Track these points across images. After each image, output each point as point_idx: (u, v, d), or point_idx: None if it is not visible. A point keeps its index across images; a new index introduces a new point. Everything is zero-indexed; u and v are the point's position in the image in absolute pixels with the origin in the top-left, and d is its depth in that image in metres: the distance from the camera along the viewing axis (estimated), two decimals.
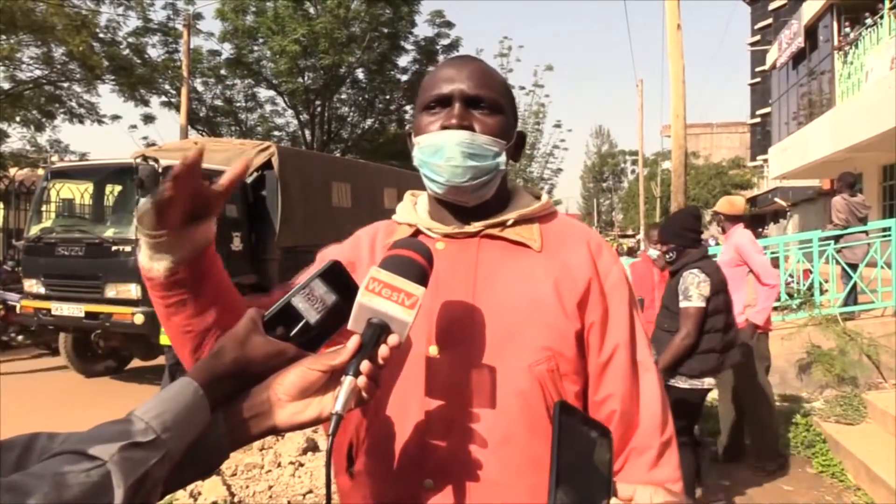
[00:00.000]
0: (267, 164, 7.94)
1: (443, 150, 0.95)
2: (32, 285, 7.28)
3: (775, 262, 7.40)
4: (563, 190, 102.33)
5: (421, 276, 0.80)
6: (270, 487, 3.98)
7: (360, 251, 1.05)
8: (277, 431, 0.74)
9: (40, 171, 12.53)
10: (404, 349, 0.85)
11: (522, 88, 24.84)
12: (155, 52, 17.27)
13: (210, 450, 0.70)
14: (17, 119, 15.62)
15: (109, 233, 7.00)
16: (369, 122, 20.98)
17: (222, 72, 19.29)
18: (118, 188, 7.70)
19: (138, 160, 6.85)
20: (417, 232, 1.03)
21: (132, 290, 6.57)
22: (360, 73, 19.76)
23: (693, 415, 3.61)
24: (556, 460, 0.67)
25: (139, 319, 6.39)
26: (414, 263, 0.81)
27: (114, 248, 6.74)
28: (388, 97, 20.79)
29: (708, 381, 3.51)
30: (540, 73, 25.35)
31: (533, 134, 25.36)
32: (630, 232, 43.35)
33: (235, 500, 3.81)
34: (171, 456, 0.63)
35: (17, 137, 18.00)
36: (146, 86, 16.29)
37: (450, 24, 20.26)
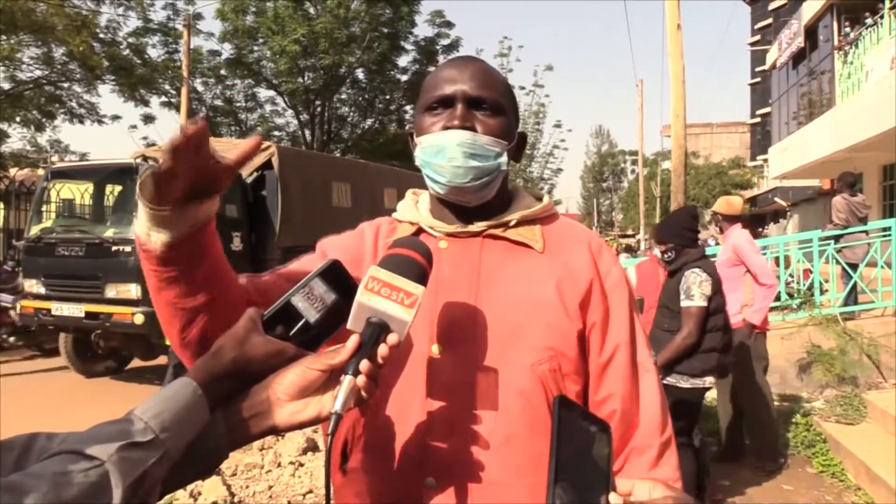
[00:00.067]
0: (267, 164, 7.95)
1: (445, 151, 0.95)
2: (32, 285, 7.28)
3: (778, 262, 7.41)
4: (563, 190, 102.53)
5: (420, 275, 0.80)
6: (270, 487, 3.98)
7: (363, 247, 1.05)
8: (277, 431, 0.74)
9: (40, 172, 12.55)
10: (404, 348, 0.84)
11: (522, 88, 24.83)
12: (155, 53, 17.29)
13: (209, 449, 0.70)
14: (18, 119, 15.63)
15: (109, 233, 7.00)
16: (369, 122, 20.99)
17: (222, 72, 19.31)
18: (118, 188, 7.71)
19: (138, 160, 6.87)
20: (420, 230, 1.03)
21: (132, 291, 6.58)
22: (360, 73, 19.78)
23: (693, 415, 3.62)
24: (555, 455, 0.67)
25: (139, 319, 6.39)
26: (413, 262, 0.81)
27: (114, 248, 6.75)
28: (388, 97, 20.80)
29: (708, 380, 3.53)
30: (540, 73, 25.35)
31: (533, 134, 25.34)
32: (630, 232, 43.39)
33: (235, 500, 3.81)
34: (170, 456, 0.63)
35: (18, 138, 18.01)
36: (146, 86, 16.30)
37: (450, 24, 20.28)
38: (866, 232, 7.18)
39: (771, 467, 4.38)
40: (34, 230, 7.54)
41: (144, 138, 18.95)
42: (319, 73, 18.49)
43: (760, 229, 30.12)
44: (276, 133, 20.32)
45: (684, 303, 3.45)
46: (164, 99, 17.88)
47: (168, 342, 0.92)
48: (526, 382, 0.91)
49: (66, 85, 15.62)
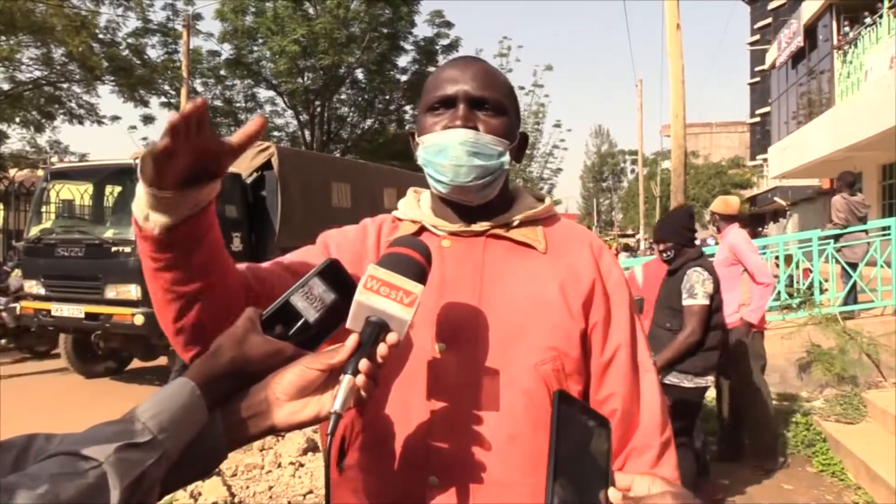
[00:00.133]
0: (267, 165, 7.94)
1: (447, 150, 0.95)
2: (32, 286, 7.28)
3: (778, 262, 7.41)
4: (563, 190, 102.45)
5: (420, 274, 0.80)
6: (271, 488, 3.98)
7: (365, 243, 1.05)
8: (276, 431, 0.74)
9: (40, 172, 12.54)
10: (404, 347, 0.84)
11: (522, 88, 24.83)
12: (154, 53, 17.32)
13: (208, 450, 0.70)
14: (17, 120, 15.65)
15: (109, 233, 7.00)
16: (369, 122, 21.00)
17: (222, 72, 19.31)
18: (118, 189, 7.71)
19: (137, 161, 6.82)
20: (422, 229, 1.03)
21: (132, 291, 6.57)
22: (359, 74, 19.79)
23: (693, 414, 3.63)
24: (554, 450, 0.67)
25: (139, 320, 6.38)
26: (412, 261, 0.81)
27: (113, 248, 6.74)
28: (387, 97, 20.80)
29: (710, 379, 3.54)
30: (539, 73, 25.38)
31: (532, 134, 25.35)
32: (630, 231, 43.39)
33: (236, 500, 3.81)
34: (169, 456, 0.63)
35: (17, 138, 18.05)
36: (146, 86, 16.32)
37: (449, 25, 20.29)
38: (866, 231, 7.19)
39: (770, 466, 4.39)
40: (34, 231, 7.54)
41: (144, 139, 18.97)
42: (319, 74, 18.49)
43: (760, 229, 30.17)
44: (275, 133, 20.32)
45: (687, 301, 3.46)
46: (163, 99, 17.90)
47: (169, 343, 0.91)
48: (529, 382, 0.91)
49: (65, 85, 15.64)
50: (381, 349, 0.75)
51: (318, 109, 19.70)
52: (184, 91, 16.55)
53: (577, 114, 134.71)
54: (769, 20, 34.35)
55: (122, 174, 7.21)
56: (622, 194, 59.71)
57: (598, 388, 0.97)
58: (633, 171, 56.28)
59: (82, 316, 6.78)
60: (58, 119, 16.17)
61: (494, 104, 0.98)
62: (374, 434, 0.93)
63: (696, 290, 3.45)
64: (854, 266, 6.94)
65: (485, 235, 1.01)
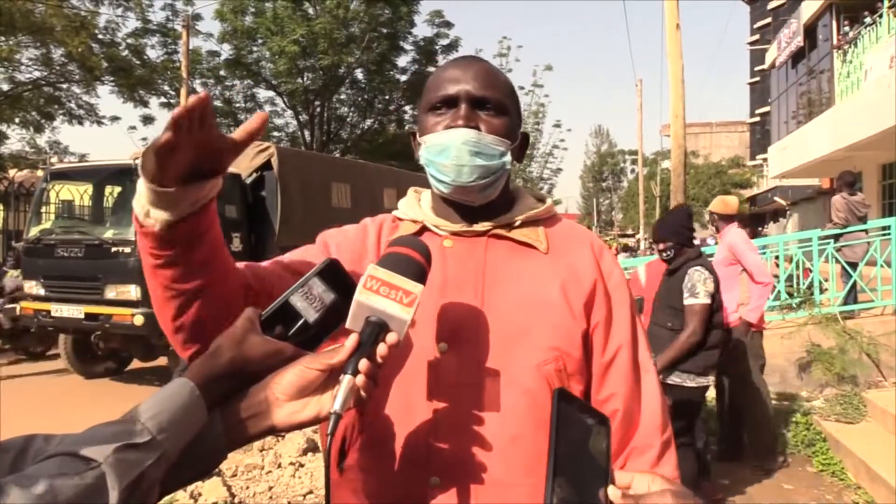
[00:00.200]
0: (266, 165, 7.95)
1: (449, 149, 0.95)
2: (32, 287, 7.28)
3: (778, 261, 7.41)
4: (563, 190, 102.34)
5: (419, 274, 0.80)
6: (271, 488, 3.98)
7: (366, 243, 1.05)
8: (275, 431, 0.74)
9: (39, 173, 12.54)
10: (404, 347, 0.84)
11: (522, 88, 24.82)
12: (154, 53, 17.32)
13: (207, 450, 0.70)
14: (17, 120, 15.65)
15: (109, 234, 7.00)
16: (368, 122, 21.00)
17: (221, 72, 19.31)
18: (117, 189, 7.71)
19: (137, 161, 6.83)
20: (424, 229, 1.03)
21: (132, 292, 6.57)
22: (359, 74, 19.79)
23: (694, 414, 3.64)
24: (553, 448, 0.66)
25: (139, 321, 6.38)
26: (412, 261, 0.81)
27: (113, 249, 6.74)
28: (387, 97, 20.81)
29: (710, 378, 3.56)
30: (539, 73, 25.40)
31: (532, 134, 25.36)
32: (630, 231, 43.41)
33: (236, 500, 3.81)
34: (168, 457, 0.63)
35: (17, 139, 18.07)
36: (145, 87, 16.31)
37: (449, 25, 20.29)
38: (866, 231, 7.19)
39: (769, 466, 4.39)
40: (33, 231, 7.54)
41: (144, 139, 18.97)
42: (318, 74, 18.50)
43: (760, 228, 30.18)
44: (275, 134, 20.32)
45: (688, 300, 3.47)
46: (163, 100, 17.88)
47: (169, 343, 0.90)
48: (532, 382, 0.91)
49: (64, 86, 15.64)
50: (381, 349, 0.75)
51: (318, 109, 19.70)
52: (183, 91, 16.55)
53: (577, 114, 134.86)
54: (769, 20, 34.36)
55: (122, 175, 7.21)
56: (622, 194, 59.71)
57: (600, 389, 0.97)
58: (632, 170, 56.31)
59: (82, 316, 6.78)
60: (57, 119, 16.18)
61: (496, 104, 0.98)
62: (375, 434, 0.92)
63: (697, 289, 3.46)
64: (854, 266, 6.94)
65: (486, 235, 1.00)
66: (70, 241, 7.13)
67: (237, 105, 19.94)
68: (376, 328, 0.75)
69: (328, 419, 0.71)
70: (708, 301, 3.46)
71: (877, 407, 5.04)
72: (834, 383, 5.85)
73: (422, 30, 32.35)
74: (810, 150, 14.89)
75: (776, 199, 28.66)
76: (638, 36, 69.57)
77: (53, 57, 14.70)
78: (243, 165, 7.83)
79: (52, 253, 7.11)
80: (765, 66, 27.19)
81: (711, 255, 4.47)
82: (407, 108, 20.96)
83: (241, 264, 0.92)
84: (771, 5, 33.55)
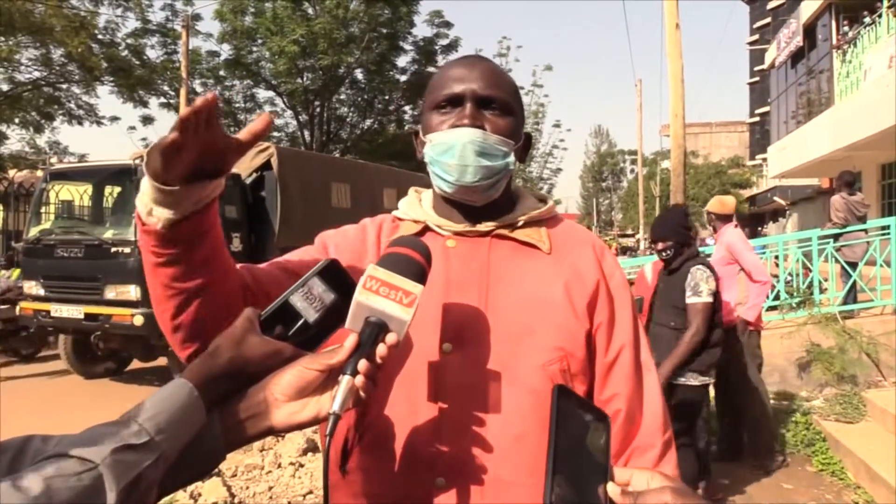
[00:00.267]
0: (266, 165, 7.94)
1: (454, 149, 0.95)
2: (32, 287, 7.27)
3: (779, 261, 7.41)
4: (563, 190, 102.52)
5: (419, 274, 0.80)
6: (270, 488, 3.98)
7: (365, 243, 1.05)
8: (274, 432, 0.74)
9: (39, 173, 12.54)
10: (404, 348, 0.84)
11: (522, 88, 24.67)
12: (154, 54, 17.33)
13: (206, 451, 0.69)
14: (16, 121, 15.65)
15: (109, 234, 7.00)
16: (368, 122, 21.00)
17: (221, 73, 19.32)
18: (117, 189, 7.71)
19: (137, 161, 6.85)
20: (426, 229, 1.03)
21: (131, 292, 6.57)
22: (358, 74, 19.80)
23: (697, 412, 3.65)
24: (553, 445, 0.66)
25: (139, 321, 6.38)
26: (412, 261, 0.80)
27: (113, 249, 6.74)
28: (387, 97, 20.81)
29: (712, 376, 3.57)
30: (539, 73, 25.43)
31: (532, 134, 25.34)
32: (630, 231, 43.40)
33: (235, 500, 3.80)
34: (166, 458, 0.63)
35: (16, 139, 18.06)
36: (145, 87, 16.33)
37: (448, 25, 20.30)
38: (865, 230, 7.19)
39: (769, 465, 4.39)
40: (33, 232, 7.53)
41: (143, 139, 19.00)
42: (318, 74, 18.50)
43: (760, 228, 30.18)
44: (275, 134, 20.30)
45: (691, 299, 3.48)
46: (162, 100, 17.91)
47: (169, 344, 0.90)
48: (537, 382, 0.91)
49: (64, 86, 15.65)
50: (381, 350, 0.74)
51: (318, 110, 19.71)
52: (183, 91, 16.55)
53: (576, 114, 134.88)
54: (768, 20, 34.35)
55: (122, 175, 7.21)
56: (622, 194, 59.73)
57: (602, 389, 0.98)
58: (632, 170, 56.30)
59: (82, 317, 6.77)
60: (57, 120, 16.18)
61: (501, 104, 0.98)
62: (378, 435, 0.92)
63: (700, 287, 3.48)
64: (854, 265, 6.94)
65: (490, 236, 1.00)
66: (70, 241, 7.13)
67: (237, 105, 19.95)
68: (376, 329, 0.75)
69: (327, 420, 0.71)
70: (710, 300, 3.48)
71: (876, 406, 5.04)
72: (833, 383, 5.85)
73: (421, 30, 32.42)
74: (810, 149, 14.89)
75: (776, 198, 28.67)
76: (637, 36, 69.65)
77: (53, 57, 14.71)
78: (243, 166, 7.83)
79: (52, 253, 7.10)
80: (764, 66, 27.20)
81: (708, 256, 4.48)
82: (407, 108, 20.97)
83: (238, 266, 0.92)
84: (770, 5, 33.54)
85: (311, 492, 3.91)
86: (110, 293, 6.67)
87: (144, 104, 16.97)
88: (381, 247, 1.03)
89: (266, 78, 19.25)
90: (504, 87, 1.00)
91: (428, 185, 1.08)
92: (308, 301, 0.78)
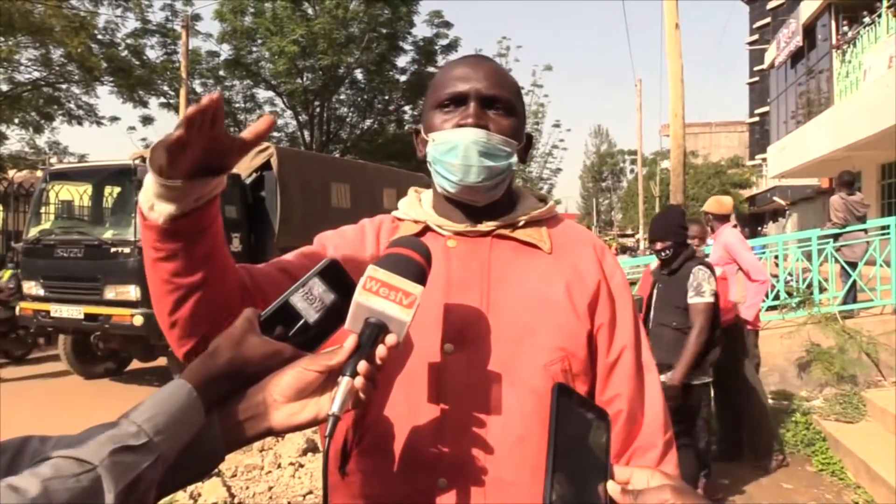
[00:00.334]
0: (266, 165, 7.94)
1: (458, 148, 0.95)
2: (31, 287, 7.27)
3: (778, 261, 7.41)
4: (563, 190, 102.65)
5: (419, 275, 0.79)
6: (270, 488, 3.98)
7: (364, 244, 1.04)
8: (273, 433, 0.73)
9: (39, 173, 12.53)
10: (404, 349, 0.84)
11: (521, 88, 24.78)
12: (153, 54, 17.33)
13: (205, 452, 0.69)
14: (16, 121, 15.64)
15: (108, 234, 7.00)
16: (368, 122, 21.00)
17: (221, 73, 19.31)
18: (117, 190, 7.70)
19: (137, 161, 6.85)
20: (426, 229, 1.02)
21: (131, 292, 6.56)
22: (358, 74, 19.80)
23: (696, 413, 3.65)
24: (553, 443, 0.66)
25: (138, 321, 6.37)
26: (412, 262, 0.80)
27: (113, 249, 6.74)
28: (386, 97, 20.81)
29: (710, 375, 3.59)
30: (539, 73, 25.44)
31: (532, 134, 25.38)
32: (629, 231, 43.41)
33: (235, 501, 3.80)
34: (165, 459, 0.63)
35: (16, 139, 18.02)
36: (145, 87, 16.32)
37: (448, 25, 20.31)
38: (865, 230, 7.19)
39: (769, 465, 4.39)
40: (33, 232, 7.53)
41: (143, 139, 18.99)
42: (318, 74, 18.50)
43: (759, 228, 30.19)
44: (274, 134, 20.29)
45: (694, 299, 3.49)
46: (162, 100, 17.90)
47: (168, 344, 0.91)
48: (539, 382, 0.91)
49: (64, 86, 15.64)
50: (381, 351, 0.74)
51: (318, 110, 19.70)
52: (183, 92, 16.55)
53: (576, 114, 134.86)
54: (768, 20, 34.34)
55: (122, 175, 7.20)
56: (622, 194, 59.70)
57: (604, 389, 0.98)
58: (632, 170, 56.29)
59: (81, 317, 6.77)
60: (57, 120, 16.18)
61: (505, 104, 0.98)
62: (379, 436, 0.92)
63: (703, 287, 3.49)
64: (853, 265, 6.95)
65: (490, 236, 1.00)
66: (69, 241, 7.12)
67: (237, 105, 19.94)
68: (375, 329, 0.75)
69: (326, 421, 0.70)
70: (712, 299, 3.50)
71: (876, 406, 5.04)
72: (833, 383, 5.85)
73: (421, 30, 32.44)
74: (809, 149, 14.89)
75: (775, 198, 28.67)
76: (637, 36, 69.59)
77: (53, 57, 14.71)
78: (243, 166, 7.82)
79: (52, 253, 7.10)
80: (764, 66, 27.18)
81: (706, 255, 4.50)
82: (406, 108, 20.97)
83: (237, 266, 0.92)
84: (770, 5, 33.53)
85: (310, 492, 3.91)
86: (110, 293, 6.67)
87: (144, 104, 16.98)
88: (380, 247, 1.03)
89: (266, 78, 19.25)
90: (508, 87, 1.00)
91: (428, 185, 1.08)
92: (308, 301, 0.78)
